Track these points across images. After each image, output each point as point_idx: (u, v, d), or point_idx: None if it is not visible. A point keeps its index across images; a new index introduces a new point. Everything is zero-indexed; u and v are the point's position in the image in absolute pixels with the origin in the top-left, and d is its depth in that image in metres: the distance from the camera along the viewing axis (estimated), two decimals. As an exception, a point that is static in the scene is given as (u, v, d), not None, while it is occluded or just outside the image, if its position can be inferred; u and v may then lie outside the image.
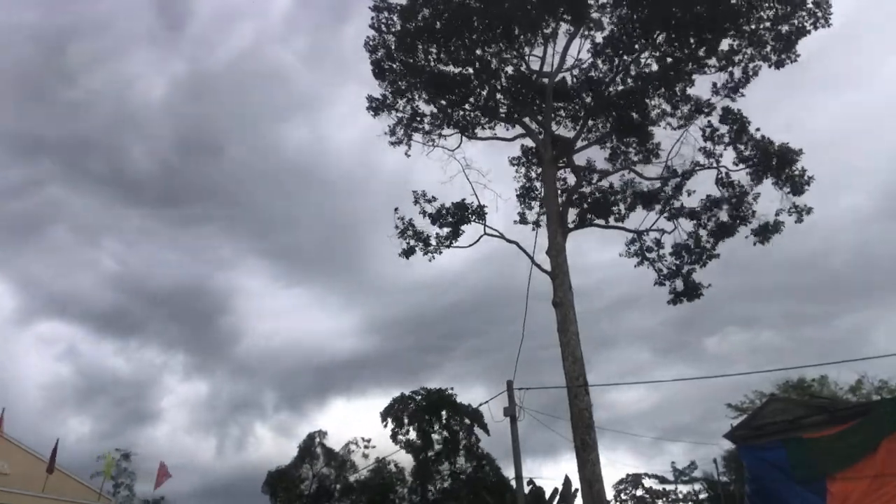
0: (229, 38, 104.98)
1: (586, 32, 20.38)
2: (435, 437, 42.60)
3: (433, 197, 20.15)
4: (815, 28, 18.10)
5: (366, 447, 45.96)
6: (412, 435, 42.74)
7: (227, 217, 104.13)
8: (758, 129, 18.77)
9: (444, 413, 43.07)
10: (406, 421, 43.08)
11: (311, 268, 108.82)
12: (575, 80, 20.94)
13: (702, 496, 47.70)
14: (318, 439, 46.45)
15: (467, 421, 42.65)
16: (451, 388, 44.55)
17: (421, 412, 42.98)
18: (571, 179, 21.03)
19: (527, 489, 20.23)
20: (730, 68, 19.11)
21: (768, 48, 18.63)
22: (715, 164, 19.47)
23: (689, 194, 20.07)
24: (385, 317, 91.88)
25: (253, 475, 66.78)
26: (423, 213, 20.06)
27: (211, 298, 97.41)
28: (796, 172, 18.21)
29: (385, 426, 43.40)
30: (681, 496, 51.97)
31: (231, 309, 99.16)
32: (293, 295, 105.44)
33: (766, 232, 18.79)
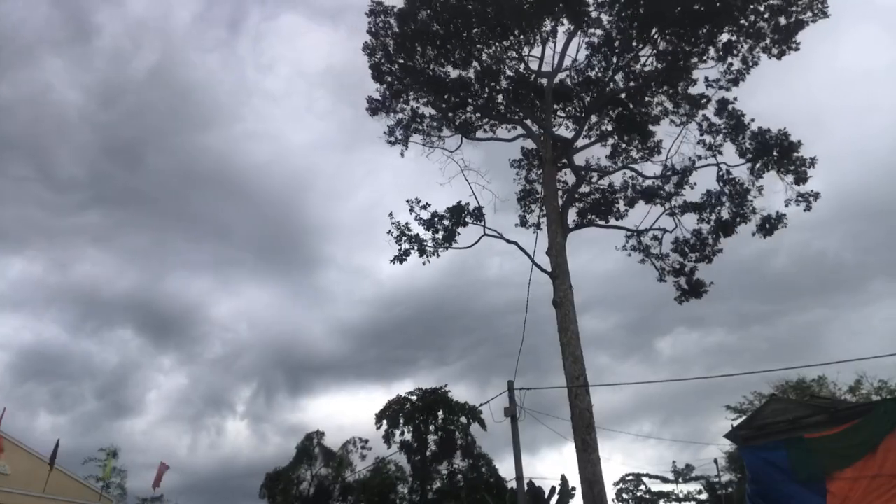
0: (139, 50, 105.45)
1: (585, 31, 20.38)
2: (431, 437, 42.54)
3: (427, 203, 19.86)
4: (814, 20, 18.08)
5: (363, 447, 45.97)
6: (407, 436, 42.66)
7: (158, 224, 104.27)
8: (752, 120, 18.82)
9: (439, 413, 42.97)
10: (402, 422, 42.99)
11: (252, 274, 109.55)
12: (575, 78, 20.96)
13: (702, 497, 47.71)
14: (316, 440, 46.35)
15: (463, 419, 42.56)
16: (446, 386, 44.54)
17: (416, 412, 42.89)
18: (571, 179, 21.07)
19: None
20: (728, 60, 19.11)
21: (767, 41, 18.62)
22: (715, 161, 19.47)
23: (692, 187, 20.07)
24: (344, 324, 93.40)
25: (225, 469, 67.70)
26: (419, 219, 19.77)
27: (162, 301, 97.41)
28: (797, 161, 18.16)
29: (379, 428, 43.36)
30: (682, 496, 51.94)
31: (185, 312, 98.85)
32: (242, 299, 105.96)
33: (769, 226, 18.77)
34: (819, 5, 17.92)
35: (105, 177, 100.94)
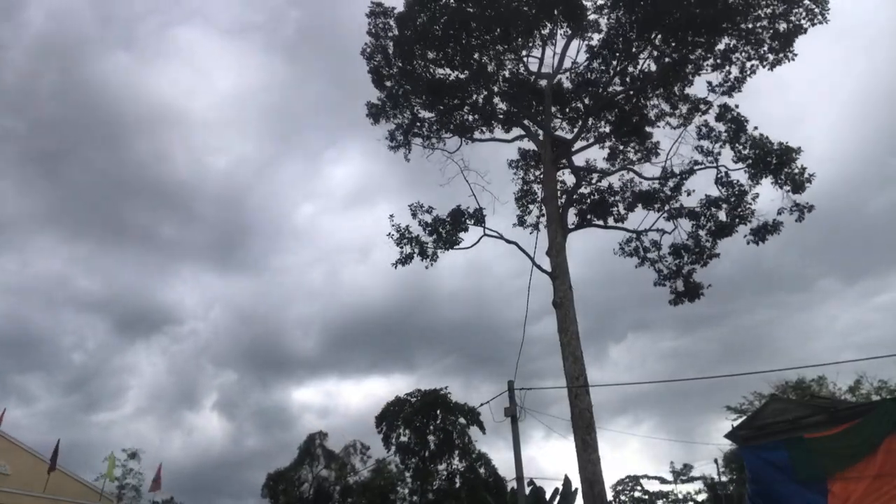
0: (44, 66, 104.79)
1: (584, 34, 20.40)
2: (431, 437, 42.53)
3: (430, 207, 19.91)
4: (812, 25, 18.01)
5: (362, 452, 46.07)
6: (404, 438, 42.65)
7: (94, 232, 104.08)
8: (755, 128, 18.75)
9: (438, 413, 42.93)
10: (401, 424, 42.97)
11: (196, 280, 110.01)
12: (573, 81, 20.99)
13: (700, 497, 47.75)
14: (318, 441, 46.39)
15: (462, 420, 42.56)
16: (446, 388, 44.54)
17: (415, 413, 42.87)
18: (571, 180, 21.10)
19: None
20: (727, 67, 19.10)
21: (765, 47, 18.59)
22: (714, 164, 19.43)
23: (688, 194, 20.06)
24: (306, 327, 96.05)
25: (198, 462, 68.60)
26: (422, 224, 19.77)
27: (121, 301, 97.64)
28: (796, 170, 18.05)
29: (380, 431, 43.34)
30: (681, 496, 51.98)
31: (144, 312, 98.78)
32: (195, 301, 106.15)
33: (763, 232, 18.76)
34: (819, 10, 17.83)
35: (29, 187, 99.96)
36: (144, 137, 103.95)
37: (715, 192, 19.48)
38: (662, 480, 53.38)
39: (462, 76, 20.56)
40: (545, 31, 20.32)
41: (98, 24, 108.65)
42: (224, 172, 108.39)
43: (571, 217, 20.36)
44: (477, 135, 21.47)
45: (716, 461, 36.57)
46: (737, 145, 18.90)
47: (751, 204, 18.93)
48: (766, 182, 18.60)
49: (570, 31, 20.39)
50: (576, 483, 18.18)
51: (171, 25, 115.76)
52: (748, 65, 18.93)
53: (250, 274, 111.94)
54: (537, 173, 21.92)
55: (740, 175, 19.04)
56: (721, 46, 18.91)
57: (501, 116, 21.06)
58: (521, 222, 21.78)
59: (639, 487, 54.52)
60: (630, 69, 20.07)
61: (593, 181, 21.55)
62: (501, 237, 19.34)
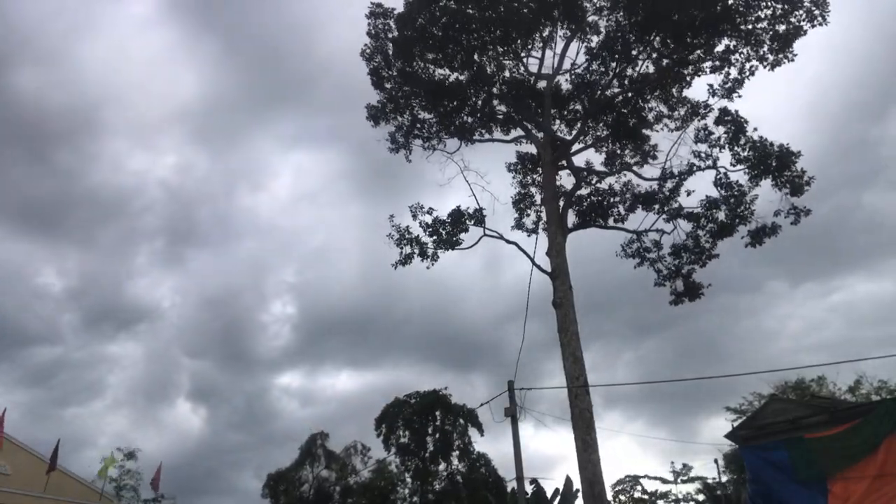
0: None
1: (583, 36, 20.41)
2: (429, 438, 42.56)
3: (431, 209, 19.88)
4: (813, 27, 18.00)
5: (363, 453, 46.11)
6: (404, 440, 42.65)
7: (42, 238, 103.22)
8: (755, 129, 18.72)
9: (437, 414, 42.95)
10: (401, 424, 42.97)
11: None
12: (573, 83, 21.01)
13: (700, 497, 47.69)
14: (319, 441, 46.40)
15: (461, 421, 42.57)
16: (446, 388, 44.55)
17: (414, 414, 42.87)
18: (570, 181, 21.10)
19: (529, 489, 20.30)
20: (726, 68, 19.09)
21: (765, 48, 18.57)
22: (713, 165, 19.42)
23: (687, 194, 20.07)
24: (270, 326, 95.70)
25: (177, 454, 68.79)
26: (423, 225, 19.74)
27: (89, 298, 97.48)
28: (795, 173, 18.06)
29: (379, 434, 43.34)
30: (681, 496, 51.89)
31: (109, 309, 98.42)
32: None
33: (761, 234, 18.75)
34: (820, 12, 17.79)
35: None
36: (67, 148, 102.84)
37: (714, 193, 19.51)
38: (663, 480, 53.29)
39: (462, 77, 20.57)
40: (545, 33, 20.34)
41: (8, 37, 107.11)
42: (167, 176, 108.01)
43: (571, 218, 20.39)
44: (476, 136, 21.47)
45: (716, 461, 36.55)
46: (736, 147, 18.88)
47: (750, 204, 18.93)
48: (764, 184, 18.59)
49: (569, 33, 20.41)
50: (577, 483, 18.28)
51: (86, 36, 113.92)
52: (748, 66, 18.92)
53: (212, 272, 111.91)
54: (535, 177, 21.94)
55: (739, 176, 19.05)
56: (720, 48, 18.93)
57: (500, 118, 21.06)
58: (520, 226, 21.79)
59: (639, 487, 54.40)
60: (629, 71, 20.09)
61: (593, 182, 21.58)
62: (501, 237, 19.39)
